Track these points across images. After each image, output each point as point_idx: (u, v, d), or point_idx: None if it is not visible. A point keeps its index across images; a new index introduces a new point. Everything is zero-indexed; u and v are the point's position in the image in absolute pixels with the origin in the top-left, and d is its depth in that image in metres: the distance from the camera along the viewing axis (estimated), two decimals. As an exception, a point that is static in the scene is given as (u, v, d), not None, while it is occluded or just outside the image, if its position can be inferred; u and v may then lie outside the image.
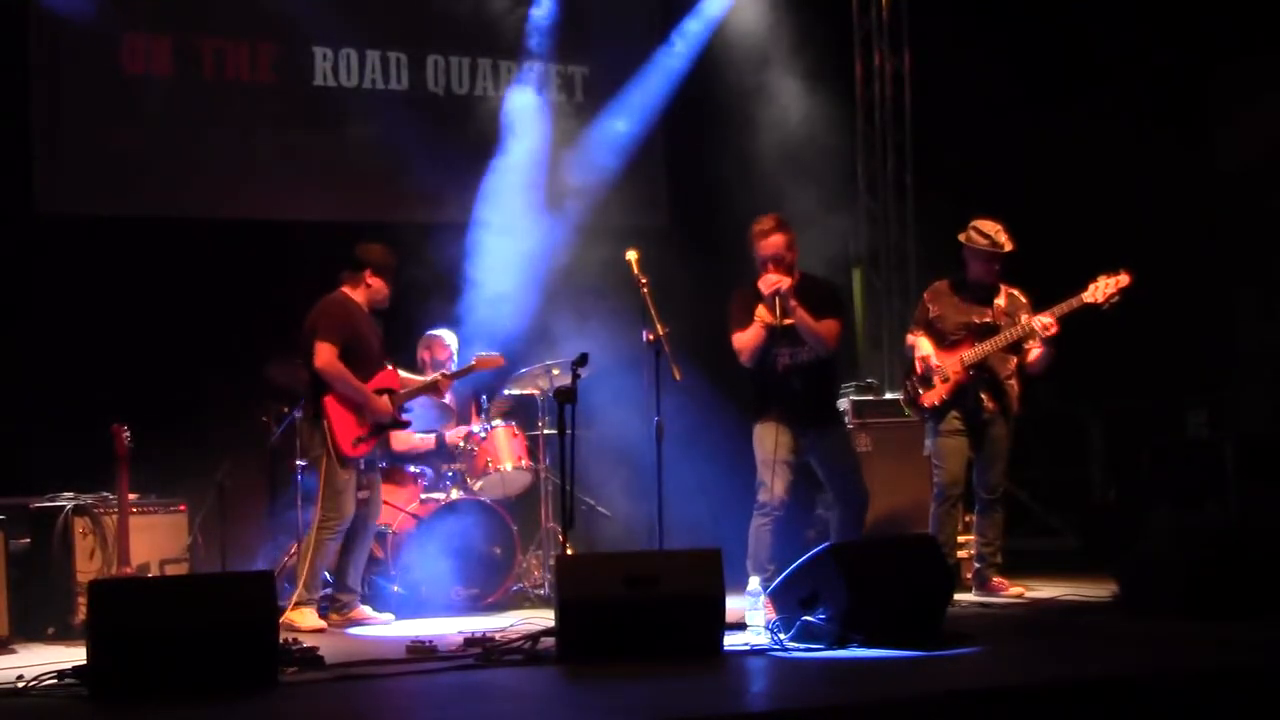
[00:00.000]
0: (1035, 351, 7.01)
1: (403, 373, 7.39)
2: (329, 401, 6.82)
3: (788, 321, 6.53)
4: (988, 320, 7.09)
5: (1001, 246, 7.06)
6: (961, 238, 7.15)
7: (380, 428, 6.99)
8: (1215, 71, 9.61)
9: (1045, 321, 6.89)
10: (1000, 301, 7.13)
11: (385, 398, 6.99)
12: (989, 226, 7.09)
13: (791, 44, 9.42)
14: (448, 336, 8.13)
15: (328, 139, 9.06)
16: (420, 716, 4.78)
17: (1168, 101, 9.54)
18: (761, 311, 6.57)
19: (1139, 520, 6.69)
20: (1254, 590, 5.85)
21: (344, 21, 8.88)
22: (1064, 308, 6.89)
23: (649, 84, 9.56)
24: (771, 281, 6.53)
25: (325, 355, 6.79)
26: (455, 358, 8.08)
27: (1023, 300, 7.14)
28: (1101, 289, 6.82)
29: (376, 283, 7.05)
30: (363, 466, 6.99)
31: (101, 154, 8.50)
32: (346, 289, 7.04)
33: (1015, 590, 7.08)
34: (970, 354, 7.03)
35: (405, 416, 7.19)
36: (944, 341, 7.13)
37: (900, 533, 7.62)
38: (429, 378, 7.45)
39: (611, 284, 7.74)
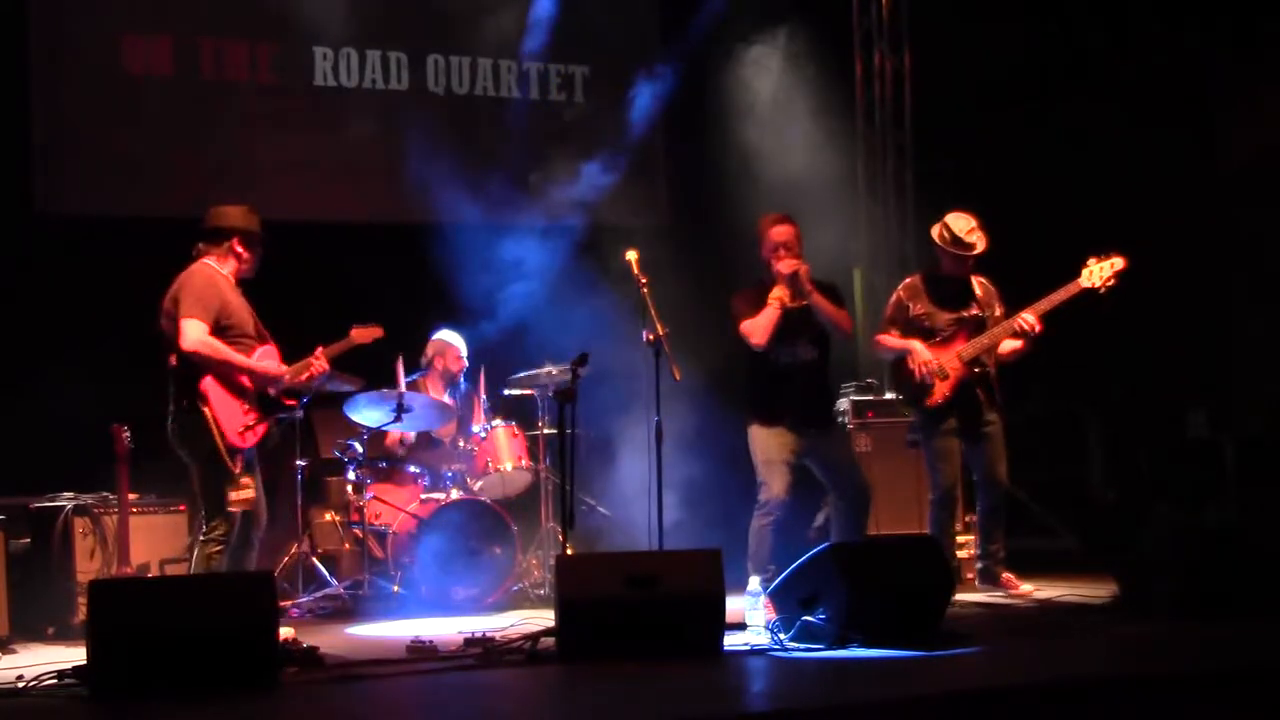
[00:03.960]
0: (1012, 345, 6.99)
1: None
2: (208, 384, 6.02)
3: (802, 303, 6.54)
4: (975, 313, 7.04)
5: (971, 248, 7.00)
6: (933, 233, 7.10)
7: (267, 410, 6.22)
8: (1215, 71, 9.61)
9: (1029, 320, 6.87)
10: (979, 293, 7.10)
11: (277, 364, 6.25)
12: (960, 224, 7.02)
13: (791, 44, 9.42)
14: (453, 337, 8.13)
15: (328, 139, 9.05)
16: (420, 716, 4.78)
17: (1168, 101, 9.54)
18: (777, 292, 6.56)
19: (1139, 520, 6.69)
20: (1254, 590, 5.86)
21: (344, 21, 8.87)
22: (1061, 295, 6.85)
23: (649, 83, 9.55)
24: (791, 263, 6.55)
25: (194, 333, 5.99)
26: (464, 358, 8.09)
27: (993, 289, 7.10)
28: (1097, 273, 6.80)
29: (245, 253, 6.30)
30: (250, 459, 6.19)
31: (101, 154, 8.49)
32: (209, 260, 6.24)
33: (1025, 589, 7.04)
34: (968, 349, 6.97)
35: (290, 402, 6.46)
36: (933, 338, 7.02)
37: (900, 533, 7.63)
38: (305, 360, 6.41)
39: (611, 284, 7.75)
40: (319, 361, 6.40)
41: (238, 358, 6.10)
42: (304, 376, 6.37)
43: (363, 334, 6.75)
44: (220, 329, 6.10)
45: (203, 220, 6.36)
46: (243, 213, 6.36)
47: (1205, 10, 9.24)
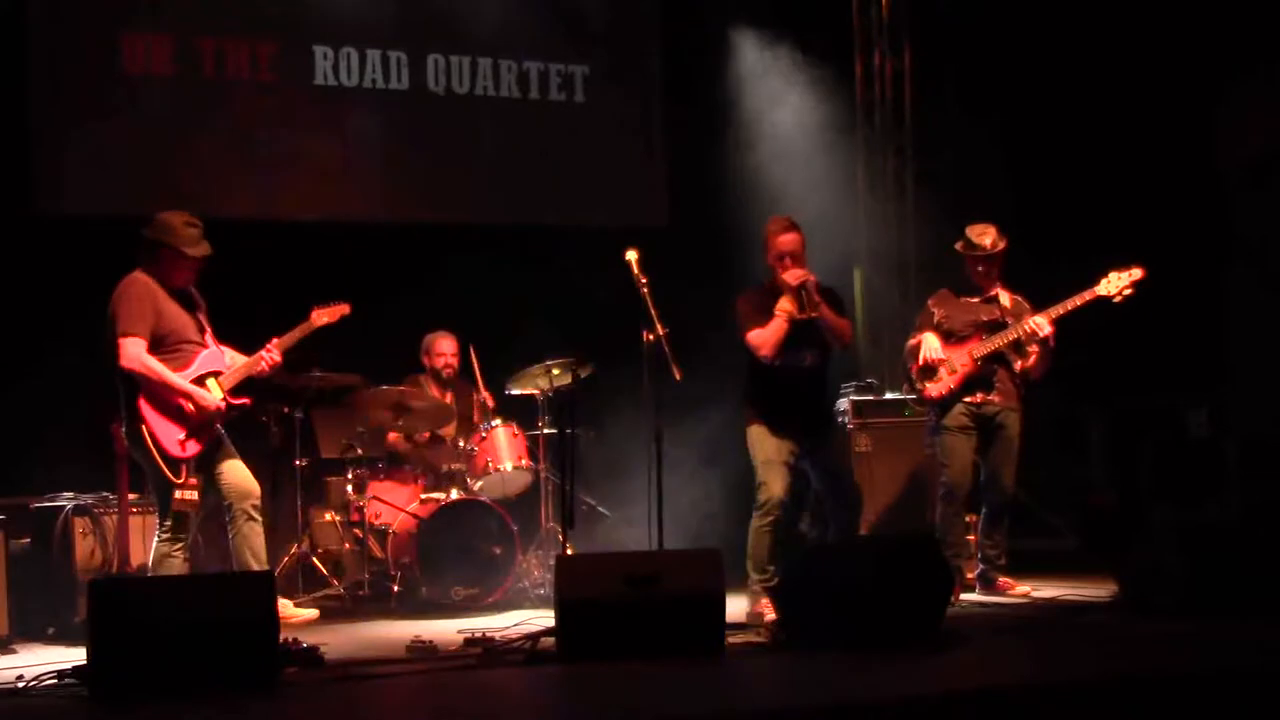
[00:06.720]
0: (1033, 356, 7.02)
1: (234, 354, 6.43)
2: (142, 404, 6.10)
3: (812, 314, 6.52)
4: (996, 317, 7.10)
5: (986, 249, 7.08)
6: (957, 246, 7.18)
7: (213, 419, 6.23)
8: (1217, 70, 9.60)
9: (1039, 322, 6.90)
10: (1006, 303, 7.15)
11: (209, 386, 6.20)
12: (976, 230, 7.15)
13: (792, 44, 9.42)
14: (441, 334, 8.13)
15: (328, 139, 9.05)
16: (420, 716, 4.79)
17: (1168, 100, 9.53)
18: (784, 304, 6.53)
19: (1139, 520, 6.70)
20: (1254, 590, 5.86)
21: (344, 21, 8.87)
22: (1076, 300, 6.91)
23: (649, 83, 9.54)
24: (798, 274, 6.52)
25: (131, 351, 6.05)
26: (450, 354, 8.09)
27: (1026, 305, 7.16)
28: (1115, 283, 6.84)
29: (172, 269, 6.23)
30: (205, 458, 6.24)
31: (101, 154, 8.48)
32: (142, 270, 6.24)
33: (1022, 590, 7.07)
34: (980, 348, 7.03)
35: (241, 400, 6.33)
36: (951, 339, 7.13)
37: (899, 532, 7.63)
38: (255, 355, 6.35)
39: (611, 284, 7.74)
40: (270, 354, 6.34)
41: (173, 378, 6.10)
42: (255, 371, 6.34)
43: (325, 314, 6.57)
44: (157, 340, 6.13)
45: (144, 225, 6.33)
46: (178, 223, 6.26)
47: (1206, 10, 9.23)
